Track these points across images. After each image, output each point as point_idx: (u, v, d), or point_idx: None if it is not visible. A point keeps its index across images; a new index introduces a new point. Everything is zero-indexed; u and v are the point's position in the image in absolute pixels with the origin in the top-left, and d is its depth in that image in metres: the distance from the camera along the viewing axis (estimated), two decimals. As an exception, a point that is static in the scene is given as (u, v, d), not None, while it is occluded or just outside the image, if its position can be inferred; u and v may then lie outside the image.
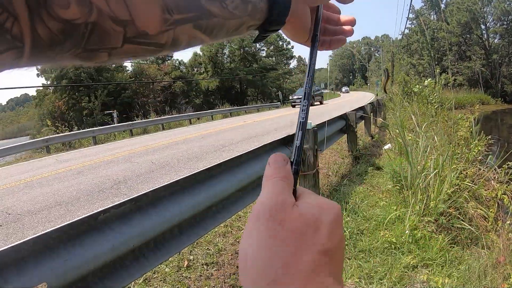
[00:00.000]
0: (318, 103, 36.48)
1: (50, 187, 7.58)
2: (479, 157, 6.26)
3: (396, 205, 4.64)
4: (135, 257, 2.05)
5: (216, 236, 3.95)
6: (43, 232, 1.62)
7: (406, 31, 57.15)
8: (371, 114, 11.08)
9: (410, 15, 55.47)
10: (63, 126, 21.60)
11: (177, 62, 60.82)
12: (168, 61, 57.36)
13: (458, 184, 4.66)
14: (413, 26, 57.91)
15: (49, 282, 1.50)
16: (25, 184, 8.31)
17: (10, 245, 1.48)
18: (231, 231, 4.08)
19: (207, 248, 3.73)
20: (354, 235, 3.92)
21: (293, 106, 33.74)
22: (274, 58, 69.59)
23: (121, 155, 10.91)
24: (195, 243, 3.74)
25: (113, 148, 13.27)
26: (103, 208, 1.91)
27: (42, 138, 18.53)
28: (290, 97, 37.66)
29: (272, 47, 68.74)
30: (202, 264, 3.43)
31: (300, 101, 0.45)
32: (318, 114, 17.66)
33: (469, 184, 4.79)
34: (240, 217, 4.41)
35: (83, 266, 1.68)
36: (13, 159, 17.22)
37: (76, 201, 6.20)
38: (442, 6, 55.31)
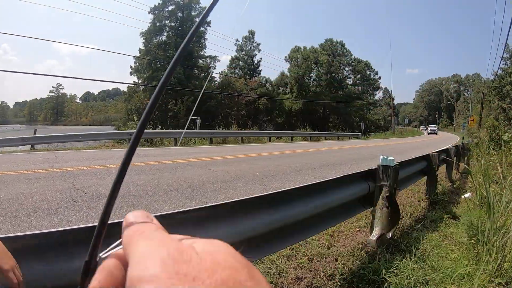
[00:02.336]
0: None
1: (128, 177, 7.83)
2: None
3: (467, 260, 4.35)
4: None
5: (280, 257, 3.92)
6: (117, 220, 1.70)
7: (499, 71, 53.25)
8: (454, 158, 10.52)
9: (505, 55, 51.82)
10: (148, 123, 22.51)
11: (264, 79, 61.90)
12: (256, 78, 58.50)
13: (538, 247, 4.29)
14: (506, 66, 53.98)
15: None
16: (105, 170, 8.81)
17: (86, 225, 1.58)
18: (296, 255, 4.03)
19: (269, 267, 3.71)
20: (419, 284, 3.72)
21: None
22: (360, 87, 68.69)
23: (198, 160, 11.24)
24: (258, 260, 3.73)
25: (192, 152, 13.69)
26: (182, 210, 1.97)
27: (127, 130, 19.70)
28: None
29: (359, 75, 67.91)
30: (261, 283, 3.41)
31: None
32: (398, 152, 17.12)
33: (550, 249, 4.39)
34: (307, 243, 4.35)
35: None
36: (97, 144, 18.52)
37: (149, 195, 6.45)
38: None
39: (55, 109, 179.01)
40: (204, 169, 9.38)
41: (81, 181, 7.34)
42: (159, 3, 49.03)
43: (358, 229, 5.17)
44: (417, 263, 4.17)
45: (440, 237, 5.45)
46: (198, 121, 27.36)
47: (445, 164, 9.91)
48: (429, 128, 79.00)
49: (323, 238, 4.59)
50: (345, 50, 66.88)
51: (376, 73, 69.83)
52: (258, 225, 2.37)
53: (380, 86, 72.97)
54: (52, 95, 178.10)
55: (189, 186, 7.29)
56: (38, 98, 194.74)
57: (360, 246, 4.47)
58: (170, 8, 49.50)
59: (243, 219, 2.29)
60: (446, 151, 9.67)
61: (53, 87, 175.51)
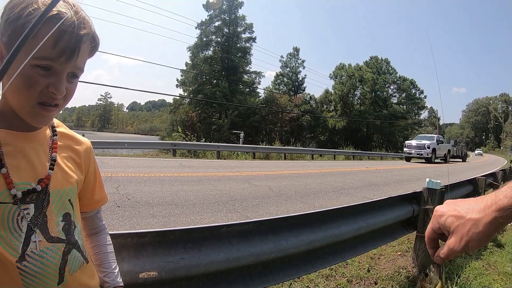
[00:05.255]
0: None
1: (171, 186, 8.13)
2: None
3: (511, 291, 4.18)
4: (242, 274, 2.13)
5: (319, 277, 3.88)
6: (168, 228, 1.79)
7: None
8: (502, 182, 10.10)
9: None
10: (192, 135, 22.88)
11: (308, 96, 61.72)
12: (300, 94, 58.47)
13: None
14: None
15: (160, 272, 1.65)
16: (148, 178, 9.01)
17: (136, 231, 1.67)
18: (335, 276, 3.99)
19: (307, 286, 3.69)
20: (460, 314, 3.62)
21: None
22: (405, 106, 67.19)
23: (241, 174, 11.33)
24: (297, 278, 3.72)
25: (234, 166, 13.82)
26: (228, 223, 2.05)
27: (172, 141, 20.12)
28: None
29: (404, 94, 66.48)
30: (299, 301, 3.40)
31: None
32: (443, 175, 16.66)
33: None
34: (347, 264, 4.29)
35: (195, 268, 1.80)
36: (141, 152, 19.01)
37: (191, 206, 6.55)
38: None
39: (102, 116, 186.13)
40: (246, 183, 9.44)
41: (125, 187, 7.54)
42: (206, 19, 50.42)
43: (399, 253, 5.07)
44: (459, 291, 4.05)
45: (483, 265, 5.26)
46: (241, 135, 27.61)
47: (492, 189, 9.57)
48: (476, 151, 67.95)
49: (363, 260, 4.53)
50: (390, 68, 65.83)
51: (422, 92, 68.05)
52: (301, 242, 2.40)
53: (425, 105, 71.04)
54: (100, 103, 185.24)
55: (231, 199, 7.36)
56: (87, 105, 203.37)
57: (401, 270, 4.38)
58: (217, 23, 50.79)
59: (287, 235, 2.32)
60: (493, 175, 9.33)
61: (101, 95, 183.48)
